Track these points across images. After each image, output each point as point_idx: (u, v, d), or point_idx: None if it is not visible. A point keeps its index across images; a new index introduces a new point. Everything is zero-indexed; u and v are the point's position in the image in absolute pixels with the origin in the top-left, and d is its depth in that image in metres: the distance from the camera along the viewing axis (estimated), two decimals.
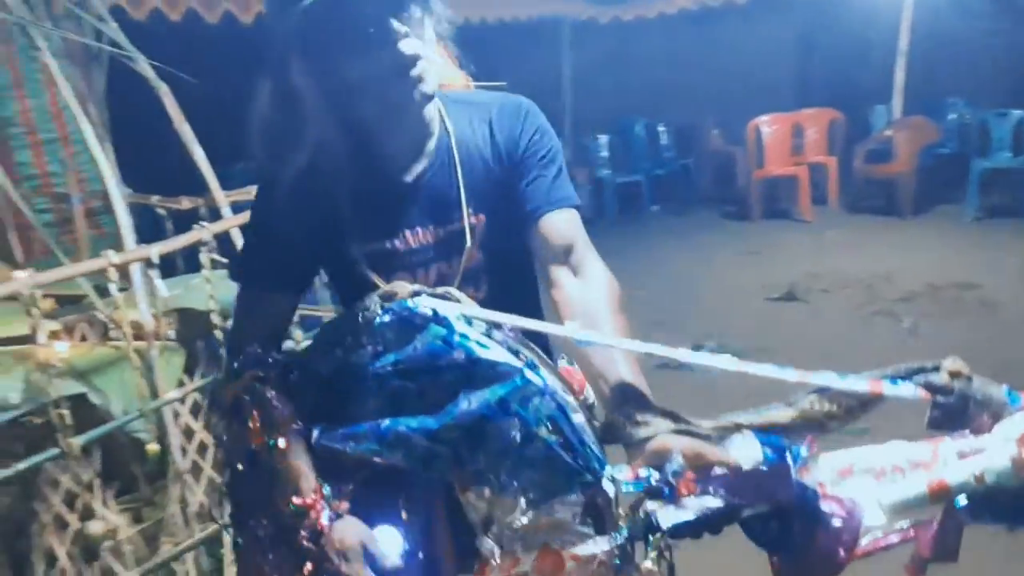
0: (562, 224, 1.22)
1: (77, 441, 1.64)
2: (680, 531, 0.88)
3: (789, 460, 0.88)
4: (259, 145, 1.14)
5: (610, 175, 7.90)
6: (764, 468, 0.89)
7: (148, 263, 1.82)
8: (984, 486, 0.82)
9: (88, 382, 1.98)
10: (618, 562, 0.94)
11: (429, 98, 1.11)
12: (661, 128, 8.48)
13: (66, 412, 1.73)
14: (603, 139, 8.01)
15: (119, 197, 2.49)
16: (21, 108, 4.08)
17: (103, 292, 2.57)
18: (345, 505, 1.06)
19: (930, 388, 0.89)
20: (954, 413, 0.89)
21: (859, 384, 0.91)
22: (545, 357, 1.05)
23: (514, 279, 1.27)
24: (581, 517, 0.97)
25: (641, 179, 7.99)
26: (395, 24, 1.03)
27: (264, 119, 1.12)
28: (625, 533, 0.93)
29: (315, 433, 1.07)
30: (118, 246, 2.69)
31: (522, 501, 0.97)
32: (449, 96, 1.25)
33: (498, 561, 0.97)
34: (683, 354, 0.98)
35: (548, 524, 0.97)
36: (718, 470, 0.90)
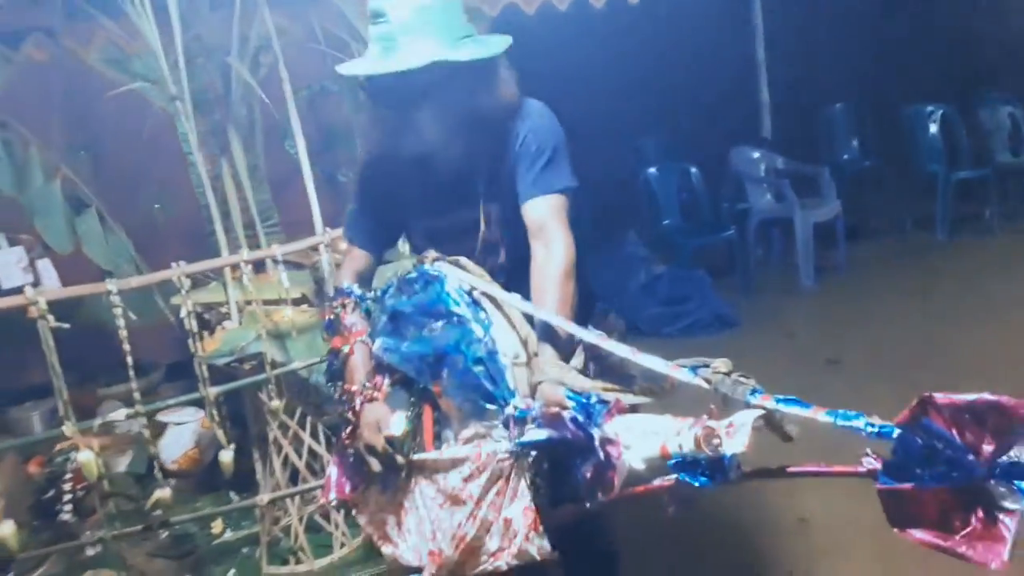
0: (538, 207, 1.57)
1: (212, 390, 2.20)
2: (536, 447, 1.34)
3: (572, 411, 1.31)
4: (366, 143, 1.71)
5: None
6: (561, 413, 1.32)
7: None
8: (683, 453, 1.16)
9: (280, 343, 2.53)
10: (512, 460, 1.38)
11: (418, 151, 1.55)
12: None
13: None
14: None
15: None
16: None
17: None
18: (381, 394, 1.54)
19: (703, 378, 1.21)
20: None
21: (662, 367, 1.27)
22: (503, 315, 1.51)
23: (525, 251, 1.59)
24: (497, 429, 1.40)
25: None
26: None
27: (369, 127, 1.76)
28: (516, 443, 1.36)
29: (375, 345, 1.57)
30: None
31: (464, 412, 1.44)
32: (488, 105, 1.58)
33: (450, 446, 1.47)
34: (584, 333, 1.41)
35: (477, 431, 1.43)
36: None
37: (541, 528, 1.37)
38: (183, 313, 2.20)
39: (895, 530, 1.04)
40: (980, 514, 0.98)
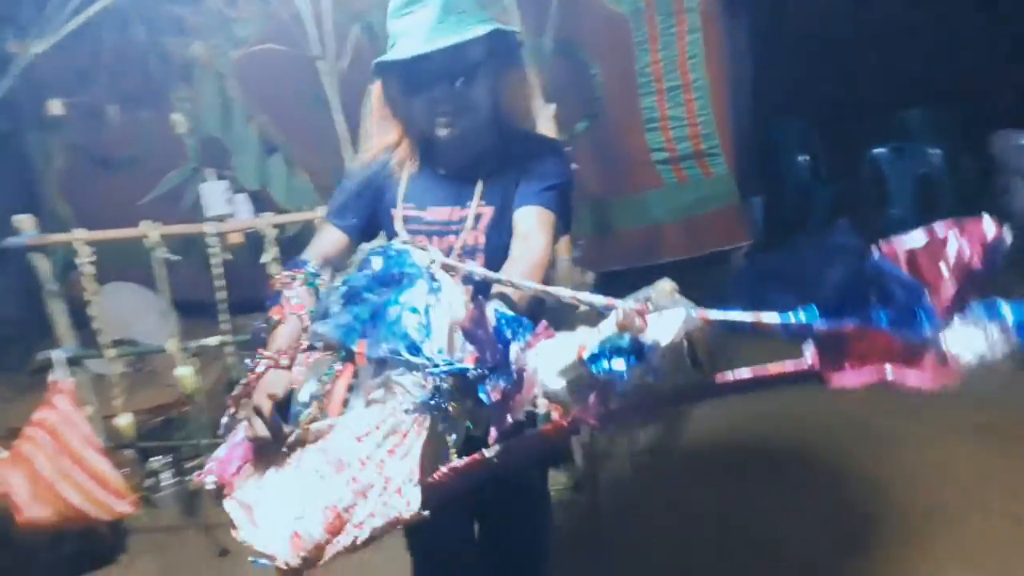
0: (531, 215, 1.59)
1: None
2: (453, 376, 1.25)
3: (497, 327, 1.19)
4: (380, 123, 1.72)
5: None
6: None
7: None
8: (602, 342, 1.06)
9: None
10: (434, 412, 1.29)
11: (458, 134, 1.58)
12: None
13: None
14: None
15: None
16: (652, 59, 4.80)
17: None
18: (287, 361, 1.48)
19: (643, 298, 1.12)
20: None
21: (601, 301, 1.19)
22: (450, 288, 1.42)
23: (502, 262, 1.58)
24: (412, 380, 1.31)
25: None
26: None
27: (384, 107, 1.69)
28: (434, 373, 1.27)
29: (313, 326, 1.54)
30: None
31: (383, 366, 1.34)
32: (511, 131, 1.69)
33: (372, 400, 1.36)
34: (541, 287, 1.35)
35: (387, 386, 1.34)
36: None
37: (417, 478, 1.25)
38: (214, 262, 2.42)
39: (830, 381, 0.98)
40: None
